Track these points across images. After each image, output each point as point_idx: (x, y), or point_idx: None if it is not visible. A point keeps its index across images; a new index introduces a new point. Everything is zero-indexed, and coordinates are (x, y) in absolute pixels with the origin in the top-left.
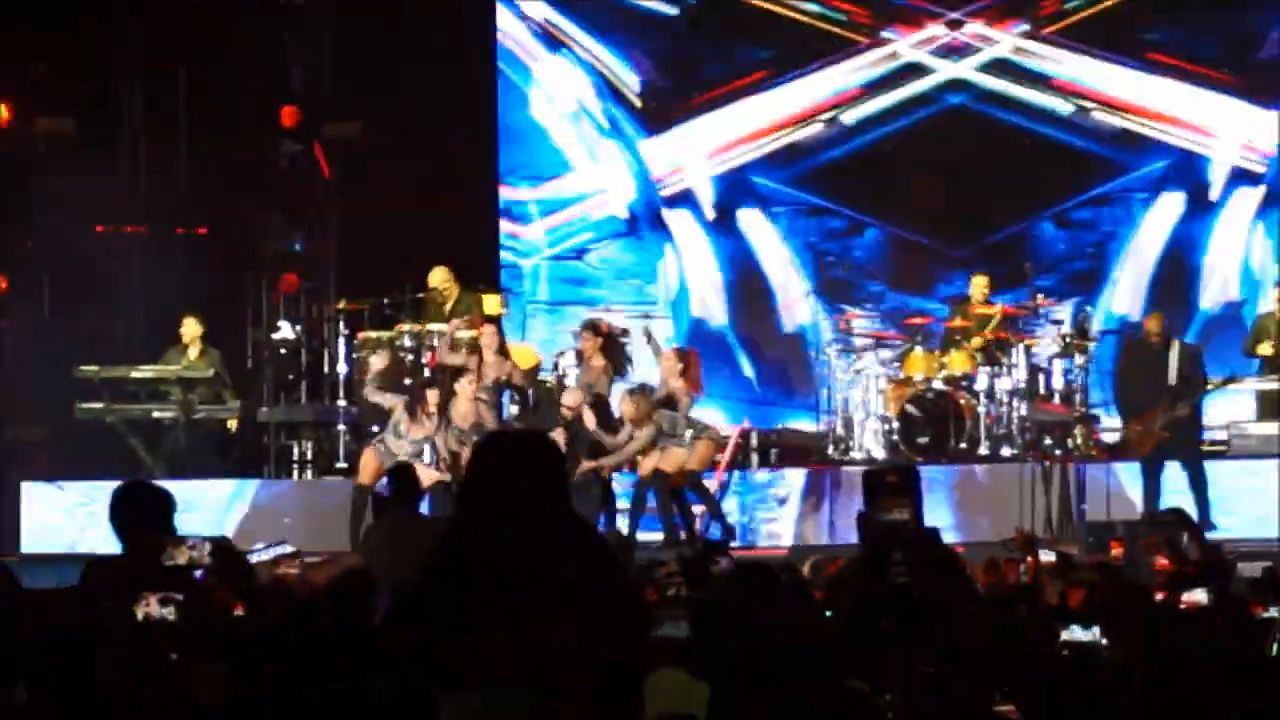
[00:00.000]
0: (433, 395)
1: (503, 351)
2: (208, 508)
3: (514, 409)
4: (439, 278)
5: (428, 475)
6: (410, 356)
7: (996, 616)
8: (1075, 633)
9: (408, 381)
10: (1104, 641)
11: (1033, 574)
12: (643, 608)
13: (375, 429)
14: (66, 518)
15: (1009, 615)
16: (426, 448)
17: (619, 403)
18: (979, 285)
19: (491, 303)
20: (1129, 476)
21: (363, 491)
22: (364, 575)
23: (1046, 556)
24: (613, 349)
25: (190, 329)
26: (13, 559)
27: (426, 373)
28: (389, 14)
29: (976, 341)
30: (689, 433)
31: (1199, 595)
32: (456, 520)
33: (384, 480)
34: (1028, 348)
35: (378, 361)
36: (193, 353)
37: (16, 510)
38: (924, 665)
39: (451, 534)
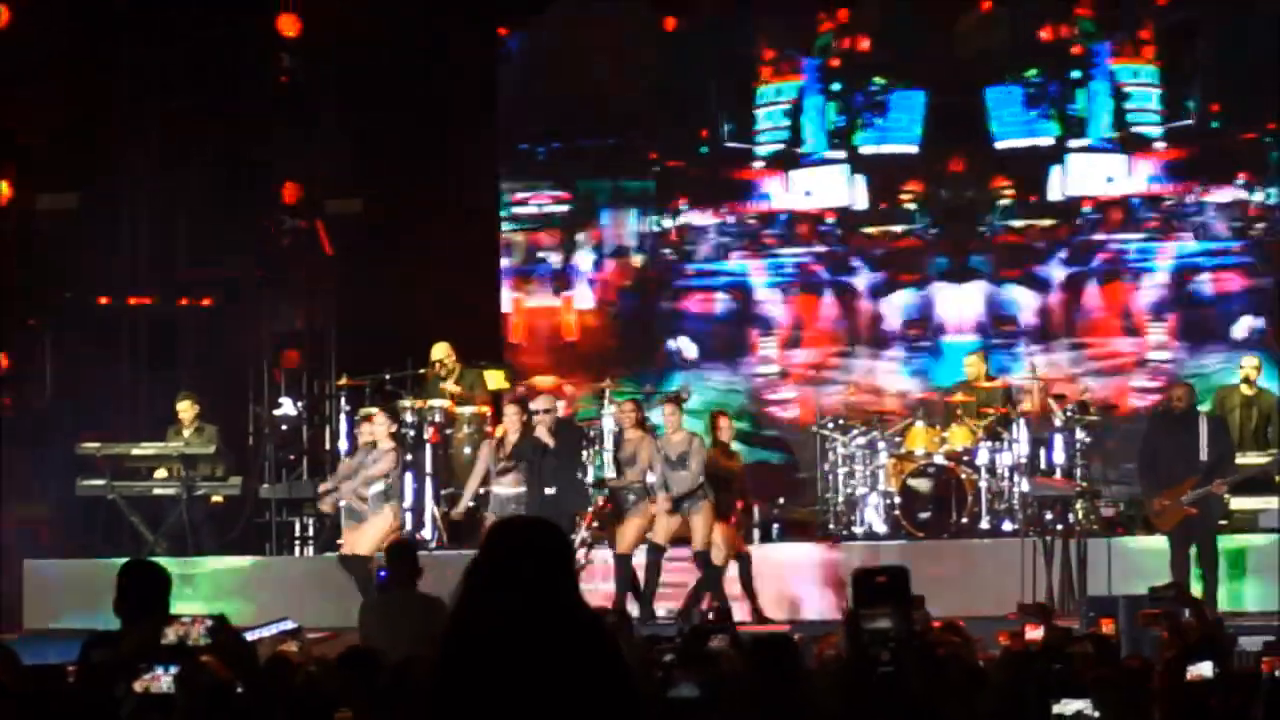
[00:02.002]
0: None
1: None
2: (209, 584)
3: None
4: (441, 352)
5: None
6: (412, 432)
7: (999, 685)
8: (1067, 705)
9: (409, 457)
10: (1096, 715)
11: (1041, 645)
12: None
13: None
14: (68, 594)
15: (1014, 685)
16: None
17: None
18: (972, 364)
19: (494, 378)
20: (1130, 551)
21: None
22: (370, 652)
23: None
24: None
25: (186, 409)
26: (13, 636)
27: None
28: (391, 92)
29: (986, 420)
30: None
31: (1204, 670)
32: (458, 607)
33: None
34: (1028, 422)
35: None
36: (187, 432)
37: (19, 587)
38: None
39: (454, 622)
